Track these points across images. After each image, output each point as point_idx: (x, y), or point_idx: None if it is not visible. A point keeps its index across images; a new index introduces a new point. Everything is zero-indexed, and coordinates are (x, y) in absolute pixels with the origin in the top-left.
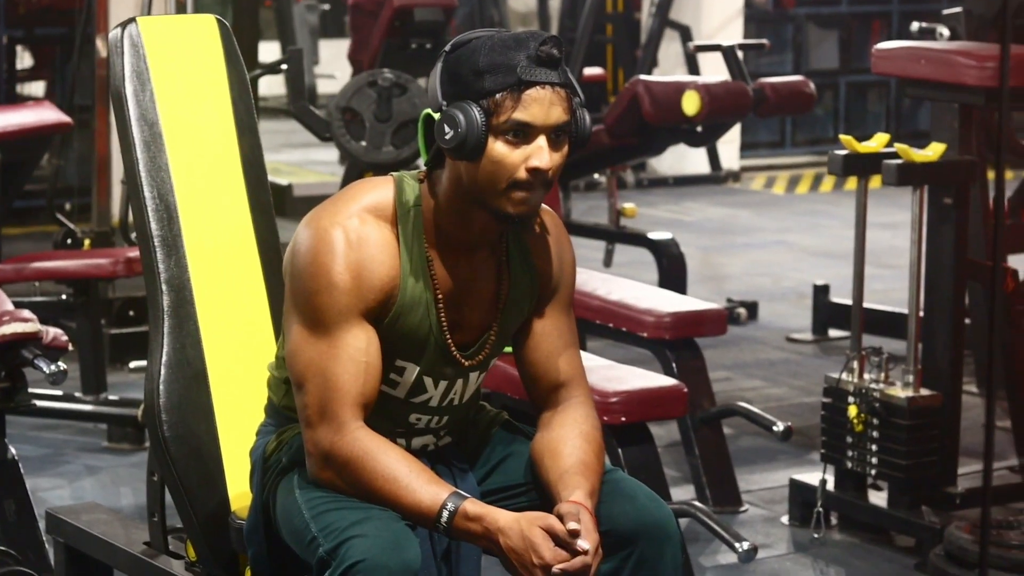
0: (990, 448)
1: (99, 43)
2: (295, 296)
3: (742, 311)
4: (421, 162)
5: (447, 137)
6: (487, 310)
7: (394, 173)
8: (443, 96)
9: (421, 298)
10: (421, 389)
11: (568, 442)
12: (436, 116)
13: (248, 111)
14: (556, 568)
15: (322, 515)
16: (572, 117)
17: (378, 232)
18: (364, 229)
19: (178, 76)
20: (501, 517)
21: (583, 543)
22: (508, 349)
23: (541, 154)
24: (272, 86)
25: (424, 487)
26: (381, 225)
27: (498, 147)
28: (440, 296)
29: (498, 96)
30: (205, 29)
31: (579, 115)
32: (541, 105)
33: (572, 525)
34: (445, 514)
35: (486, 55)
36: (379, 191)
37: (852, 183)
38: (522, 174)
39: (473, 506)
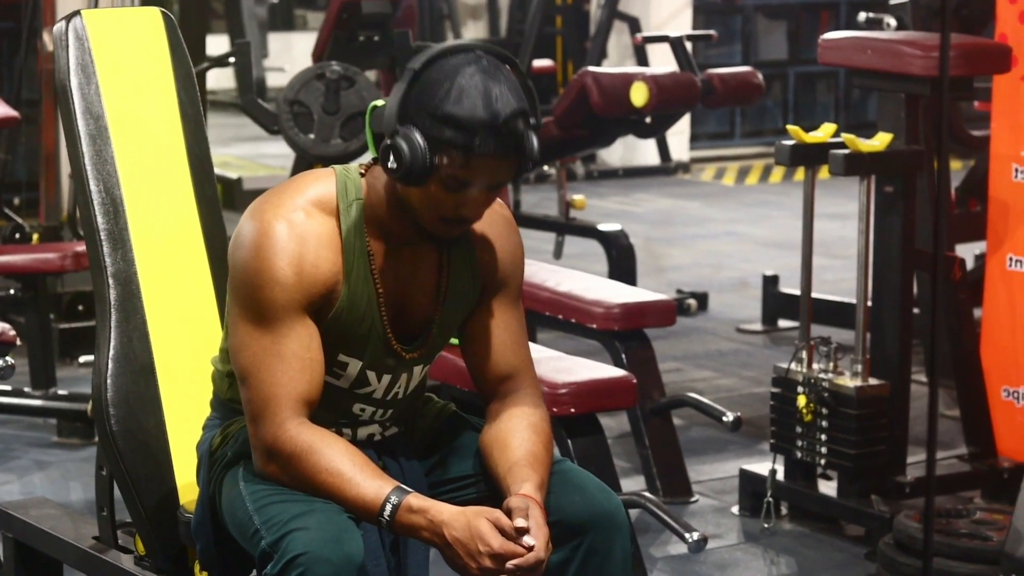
0: (933, 436)
1: (46, 37)
2: (238, 290)
3: (692, 302)
4: (368, 156)
5: (390, 165)
6: (429, 303)
7: (335, 166)
8: (399, 119)
9: (363, 293)
10: (365, 382)
11: (517, 434)
12: (387, 139)
13: (193, 103)
14: (510, 564)
15: (265, 508)
16: (519, 169)
17: (322, 226)
18: (309, 223)
19: (123, 69)
20: (445, 510)
21: (529, 540)
22: (455, 341)
23: (475, 206)
24: (221, 80)
25: (367, 481)
26: (325, 219)
27: (435, 188)
28: (381, 291)
29: (450, 152)
30: (150, 22)
31: (529, 142)
32: (487, 171)
33: (520, 522)
34: (388, 508)
35: (452, 102)
36: (322, 183)
37: (801, 174)
38: (451, 214)
39: (417, 500)
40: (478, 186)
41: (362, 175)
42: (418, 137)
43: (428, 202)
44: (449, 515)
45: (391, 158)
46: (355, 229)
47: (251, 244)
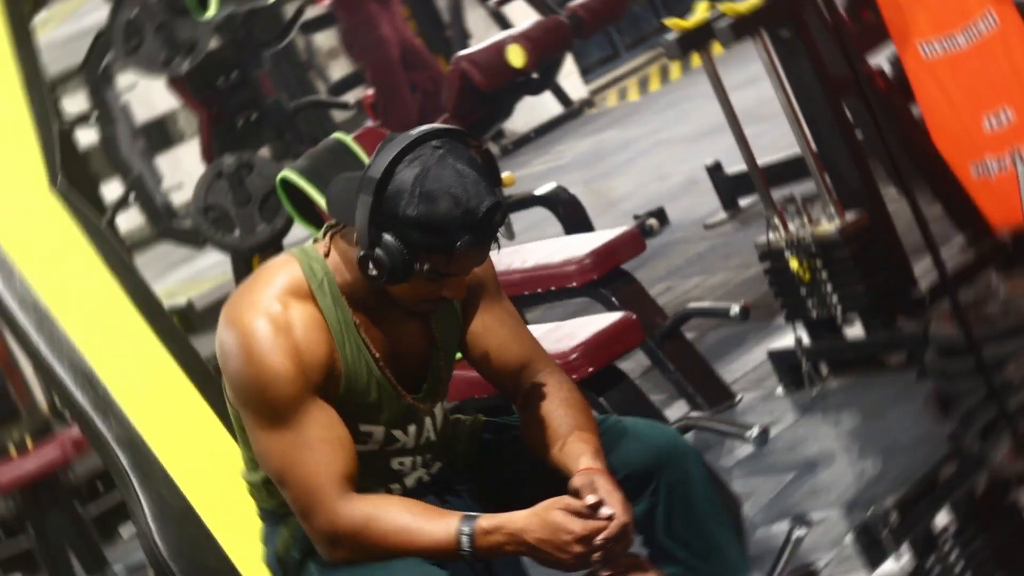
0: (928, 239)
1: None
2: (243, 397)
3: (652, 222)
4: (302, 227)
5: (372, 274)
6: (423, 346)
7: (292, 250)
8: (372, 229)
9: (361, 362)
10: (393, 440)
11: (554, 414)
12: (362, 250)
13: (115, 256)
14: (598, 539)
15: None
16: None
17: (302, 312)
18: (289, 313)
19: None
20: (517, 518)
21: (606, 510)
22: (458, 355)
23: (458, 289)
24: (132, 220)
25: (433, 524)
26: (303, 304)
27: (417, 282)
28: (378, 356)
29: (432, 254)
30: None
31: (505, 223)
32: (469, 262)
33: (590, 498)
34: (464, 540)
35: (425, 207)
36: (287, 271)
37: (697, 59)
38: (434, 296)
39: (487, 520)
40: (460, 274)
41: (325, 255)
42: (396, 245)
43: (410, 292)
44: (523, 521)
45: (371, 267)
46: (335, 305)
47: (240, 350)
